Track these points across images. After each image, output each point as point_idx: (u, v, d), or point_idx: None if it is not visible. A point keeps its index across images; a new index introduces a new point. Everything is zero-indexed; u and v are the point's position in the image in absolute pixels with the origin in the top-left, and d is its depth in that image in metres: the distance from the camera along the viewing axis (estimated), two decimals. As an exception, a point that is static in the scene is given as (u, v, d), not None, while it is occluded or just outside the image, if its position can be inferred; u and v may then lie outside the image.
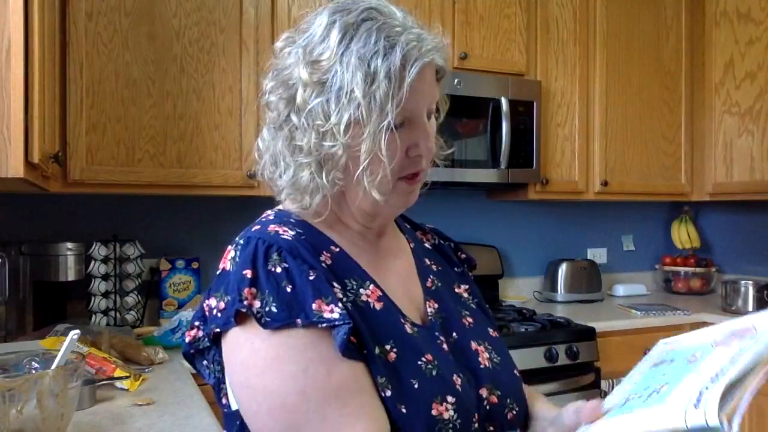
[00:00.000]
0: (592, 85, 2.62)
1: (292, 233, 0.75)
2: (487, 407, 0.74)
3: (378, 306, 0.74)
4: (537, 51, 2.52)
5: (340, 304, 0.68)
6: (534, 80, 2.48)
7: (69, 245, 1.90)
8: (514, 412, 0.77)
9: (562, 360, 2.08)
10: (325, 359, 0.66)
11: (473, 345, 0.79)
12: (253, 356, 0.67)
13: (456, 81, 2.27)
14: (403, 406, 0.67)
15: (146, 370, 1.61)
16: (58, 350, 1.05)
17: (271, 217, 0.79)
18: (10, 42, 1.07)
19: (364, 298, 0.74)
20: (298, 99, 0.73)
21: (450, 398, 0.69)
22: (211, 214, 2.24)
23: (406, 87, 0.71)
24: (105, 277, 1.99)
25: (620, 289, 2.92)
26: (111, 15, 1.83)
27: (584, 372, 2.15)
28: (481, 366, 0.77)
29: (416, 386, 0.68)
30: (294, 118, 0.74)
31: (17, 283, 1.80)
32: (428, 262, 0.90)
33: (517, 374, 0.83)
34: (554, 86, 2.54)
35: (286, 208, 0.81)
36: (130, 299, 2.03)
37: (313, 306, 0.67)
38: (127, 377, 1.47)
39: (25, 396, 0.96)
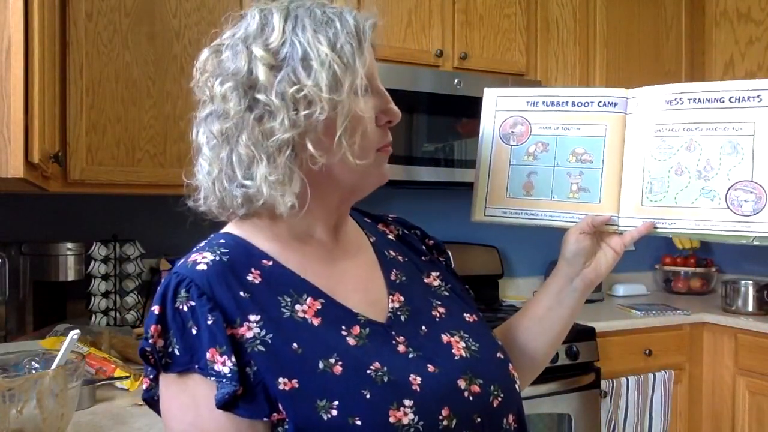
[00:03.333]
0: (592, 85, 2.62)
1: (212, 258, 0.71)
2: (470, 398, 0.72)
3: (316, 321, 0.71)
4: (537, 51, 2.52)
5: (233, 358, 0.65)
6: (534, 80, 2.48)
7: (69, 245, 1.90)
8: (500, 399, 0.75)
9: (562, 360, 2.09)
10: (210, 410, 0.65)
11: (445, 337, 0.77)
12: (165, 401, 0.69)
13: (456, 81, 2.27)
14: (357, 419, 0.65)
15: (146, 370, 1.60)
16: (58, 350, 1.05)
17: (202, 244, 0.76)
18: (10, 42, 1.07)
19: (300, 314, 0.71)
20: (261, 77, 0.70)
21: (407, 402, 0.67)
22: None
23: (366, 45, 0.73)
24: (105, 277, 1.99)
25: (620, 289, 2.92)
26: (111, 15, 1.83)
27: (584, 372, 2.15)
28: (456, 357, 0.75)
29: (368, 396, 0.66)
30: (261, 97, 0.70)
31: (17, 283, 1.80)
32: (392, 254, 0.87)
33: (501, 356, 0.80)
34: (554, 86, 2.54)
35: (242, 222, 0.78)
36: (130, 299, 2.03)
37: (207, 354, 0.65)
38: (127, 377, 1.47)
39: (25, 396, 0.96)
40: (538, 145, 0.98)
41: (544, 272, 2.82)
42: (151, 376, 0.72)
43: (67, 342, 1.05)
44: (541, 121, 0.99)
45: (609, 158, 0.94)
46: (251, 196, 0.72)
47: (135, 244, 2.04)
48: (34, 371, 1.10)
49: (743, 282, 2.51)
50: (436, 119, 2.28)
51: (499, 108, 1.03)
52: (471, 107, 2.31)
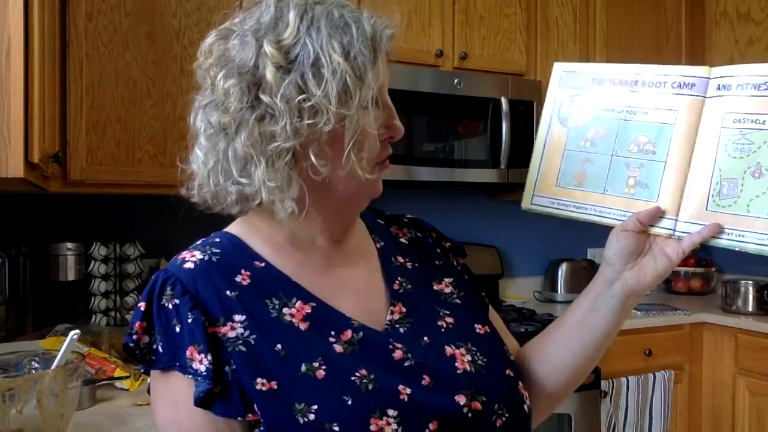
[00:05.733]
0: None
1: (201, 257, 0.72)
2: (468, 414, 0.69)
3: (303, 326, 0.70)
4: (537, 51, 2.52)
5: (209, 356, 0.65)
6: (534, 80, 2.48)
7: (69, 245, 1.90)
8: (504, 419, 0.71)
9: (562, 360, 2.08)
10: (187, 408, 0.66)
11: (449, 350, 0.74)
12: (151, 392, 0.71)
13: (456, 81, 2.27)
14: (334, 424, 0.63)
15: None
16: (58, 350, 1.05)
17: (198, 242, 0.77)
18: (10, 42, 1.07)
19: (288, 317, 0.70)
20: (268, 77, 0.66)
21: (391, 411, 0.65)
22: (211, 214, 2.23)
23: (381, 56, 0.70)
24: (105, 277, 1.99)
25: (620, 289, 2.91)
26: (111, 15, 1.83)
27: (584, 372, 2.15)
28: (458, 371, 0.72)
29: (349, 402, 0.65)
30: (265, 98, 0.66)
31: (17, 283, 1.80)
32: (401, 261, 0.83)
33: (510, 374, 0.76)
34: (554, 86, 2.54)
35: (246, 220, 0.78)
36: (130, 299, 2.03)
37: (187, 352, 0.66)
38: (127, 377, 1.47)
39: (25, 396, 0.96)
40: (598, 129, 0.86)
41: (544, 272, 2.82)
42: (142, 370, 0.73)
43: (67, 342, 1.05)
44: (604, 103, 0.86)
45: (675, 150, 0.81)
46: (247, 194, 0.70)
47: (135, 244, 2.04)
48: (34, 371, 1.10)
49: (743, 282, 2.51)
50: (436, 119, 2.28)
51: (563, 85, 0.90)
52: (471, 107, 2.32)
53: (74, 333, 1.07)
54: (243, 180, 0.69)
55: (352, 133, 0.68)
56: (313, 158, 0.68)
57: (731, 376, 2.39)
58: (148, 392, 0.74)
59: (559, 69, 0.92)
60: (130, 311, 2.03)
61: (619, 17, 2.68)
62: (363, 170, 0.70)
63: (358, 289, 0.77)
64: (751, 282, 2.49)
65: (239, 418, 0.66)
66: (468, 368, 0.73)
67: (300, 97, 0.66)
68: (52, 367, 1.03)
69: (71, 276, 1.90)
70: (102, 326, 1.92)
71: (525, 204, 0.91)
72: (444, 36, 2.33)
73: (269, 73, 0.66)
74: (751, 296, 2.47)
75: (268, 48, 0.66)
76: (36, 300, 1.90)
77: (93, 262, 1.97)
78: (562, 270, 2.73)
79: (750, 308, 2.46)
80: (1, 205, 1.97)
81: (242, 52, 0.68)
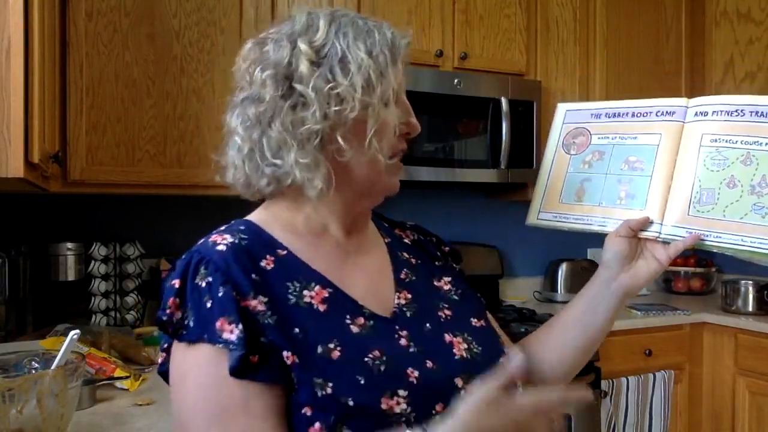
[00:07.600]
0: (592, 85, 2.62)
1: (231, 240, 0.75)
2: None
3: (322, 308, 0.75)
4: (537, 51, 2.52)
5: (240, 326, 0.67)
6: (534, 80, 2.48)
7: (69, 245, 1.90)
8: None
9: (562, 360, 2.08)
10: (218, 379, 0.67)
11: (447, 337, 0.80)
12: (174, 370, 0.72)
13: (456, 81, 2.27)
14: (350, 399, 0.68)
15: (146, 370, 1.61)
16: (58, 350, 1.05)
17: (223, 228, 0.80)
18: (10, 42, 1.07)
19: (307, 299, 0.75)
20: (302, 69, 0.75)
21: (402, 392, 0.70)
22: (211, 215, 2.23)
23: (399, 59, 0.80)
24: (105, 277, 1.99)
25: (620, 289, 2.91)
26: (111, 15, 1.83)
27: (584, 372, 2.14)
28: (456, 357, 0.78)
29: (362, 382, 0.69)
30: (299, 87, 0.75)
31: (17, 283, 1.80)
32: (405, 256, 0.91)
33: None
34: (554, 86, 2.54)
35: (267, 208, 0.83)
36: (130, 299, 2.03)
37: (217, 324, 0.68)
38: (127, 377, 1.47)
39: (25, 396, 0.96)
40: (595, 153, 1.02)
41: (544, 272, 2.82)
42: (165, 346, 0.74)
43: (67, 342, 1.05)
44: (600, 132, 1.03)
45: (660, 166, 0.95)
46: (280, 176, 0.78)
47: (135, 244, 2.04)
48: (34, 371, 1.10)
49: (743, 282, 2.51)
50: (436, 119, 2.28)
51: (567, 121, 1.08)
52: (471, 107, 2.32)
53: (74, 333, 1.07)
54: (277, 161, 0.77)
55: (374, 121, 0.76)
56: (340, 140, 0.76)
57: (731, 376, 2.39)
58: (160, 373, 0.75)
59: (563, 108, 1.10)
60: (130, 311, 2.03)
61: (619, 17, 2.68)
62: (384, 156, 0.79)
63: (369, 273, 0.83)
64: (751, 282, 2.49)
65: (283, 383, 0.68)
66: (464, 355, 0.79)
67: (329, 86, 0.75)
68: (52, 367, 1.03)
69: (71, 276, 1.90)
70: (102, 326, 1.92)
71: (531, 220, 1.05)
72: (444, 36, 2.33)
73: (303, 66, 0.76)
74: (751, 296, 2.47)
75: (302, 46, 0.76)
76: (36, 300, 1.90)
77: (93, 262, 1.97)
78: (562, 270, 2.73)
79: (750, 308, 2.46)
80: (1, 205, 1.97)
81: (278, 52, 0.78)
